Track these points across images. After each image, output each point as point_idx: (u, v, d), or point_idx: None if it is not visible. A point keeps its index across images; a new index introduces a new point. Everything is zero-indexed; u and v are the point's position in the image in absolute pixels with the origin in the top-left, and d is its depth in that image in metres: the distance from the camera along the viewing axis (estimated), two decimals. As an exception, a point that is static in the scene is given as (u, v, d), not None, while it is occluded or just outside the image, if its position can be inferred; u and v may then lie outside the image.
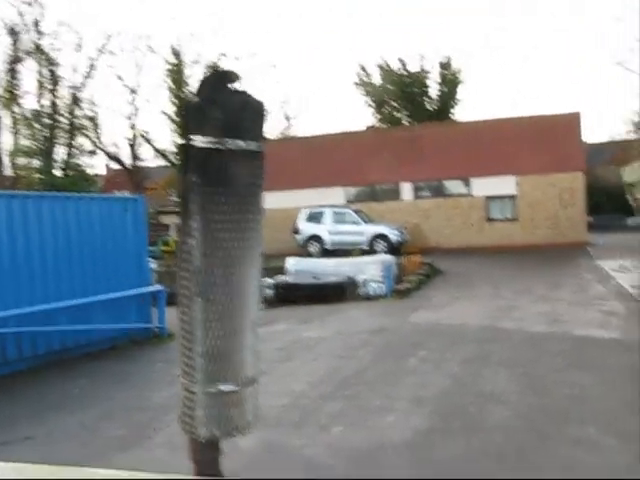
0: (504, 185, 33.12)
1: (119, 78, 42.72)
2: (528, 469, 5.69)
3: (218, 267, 2.27)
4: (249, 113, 2.30)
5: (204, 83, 2.37)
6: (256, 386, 2.49)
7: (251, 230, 2.36)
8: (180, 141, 2.32)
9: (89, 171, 43.10)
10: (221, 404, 2.32)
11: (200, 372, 2.30)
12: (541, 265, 24.14)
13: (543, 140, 32.18)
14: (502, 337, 11.43)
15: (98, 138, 42.67)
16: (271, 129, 46.94)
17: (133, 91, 42.51)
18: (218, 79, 2.31)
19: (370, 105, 50.33)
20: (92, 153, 42.99)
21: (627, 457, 5.85)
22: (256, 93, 2.36)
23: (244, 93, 2.30)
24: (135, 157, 44.32)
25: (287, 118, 52.05)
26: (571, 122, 33.48)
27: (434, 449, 6.29)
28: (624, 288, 16.56)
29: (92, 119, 41.86)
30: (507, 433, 6.64)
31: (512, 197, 33.38)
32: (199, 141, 2.22)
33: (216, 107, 2.22)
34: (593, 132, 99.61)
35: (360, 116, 61.99)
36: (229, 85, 2.28)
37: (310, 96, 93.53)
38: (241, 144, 2.27)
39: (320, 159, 34.55)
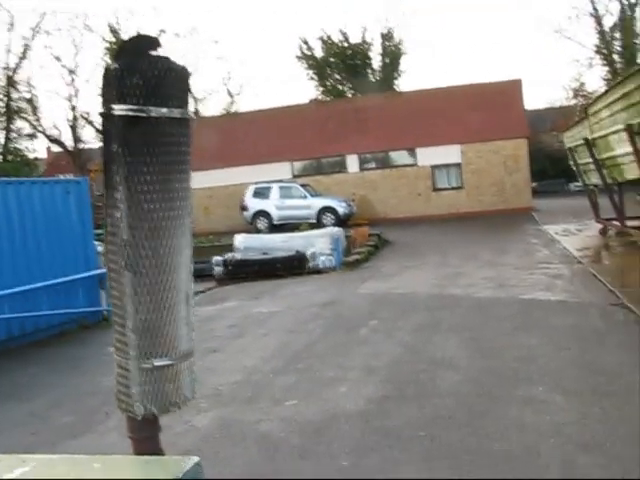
0: (449, 154, 33.40)
1: (57, 59, 41.80)
2: (478, 432, 5.76)
3: (146, 239, 2.20)
4: (172, 79, 2.21)
5: (123, 49, 2.29)
6: (192, 360, 2.44)
7: (179, 200, 2.28)
8: (101, 110, 2.23)
9: (30, 155, 42.21)
10: (156, 379, 2.27)
11: (133, 348, 2.24)
12: (487, 232, 24.44)
13: (486, 108, 32.46)
14: (451, 304, 11.56)
15: (38, 121, 41.75)
16: (215, 106, 46.44)
17: (72, 72, 41.62)
18: (138, 45, 2.22)
19: (313, 78, 50.07)
20: (32, 137, 42.07)
21: (573, 414, 5.97)
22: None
23: (166, 59, 2.22)
24: (77, 139, 43.45)
25: (230, 94, 51.54)
26: (512, 89, 33.85)
27: (388, 417, 6.33)
28: (569, 251, 16.87)
29: (30, 101, 40.90)
30: (458, 398, 6.71)
31: (457, 165, 33.69)
32: (119, 109, 2.15)
33: (136, 73, 2.14)
34: (534, 99, 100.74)
35: (304, 90, 61.85)
36: (150, 51, 2.20)
37: (253, 71, 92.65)
38: (164, 111, 2.19)
39: (265, 134, 34.32)
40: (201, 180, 34.10)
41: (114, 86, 2.17)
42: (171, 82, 2.23)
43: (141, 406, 2.27)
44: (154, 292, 2.23)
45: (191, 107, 2.44)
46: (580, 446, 5.24)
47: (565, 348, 8.21)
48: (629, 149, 15.55)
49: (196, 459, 1.78)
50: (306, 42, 49.50)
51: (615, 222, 19.55)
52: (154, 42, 2.24)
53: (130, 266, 2.20)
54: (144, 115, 2.16)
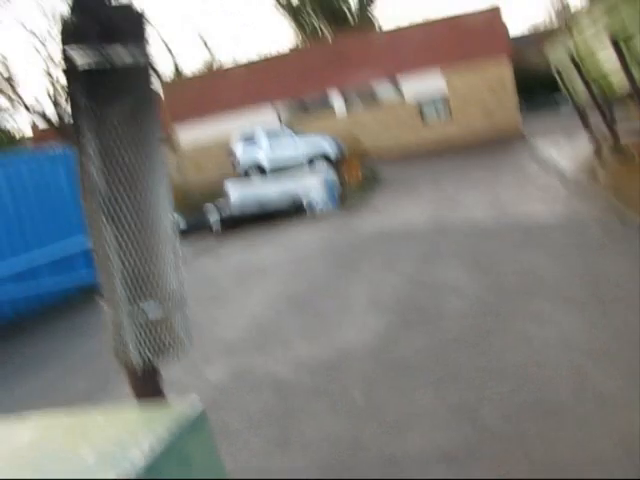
0: (435, 86, 33.09)
1: (32, 33, 41.12)
2: (486, 351, 5.84)
3: (123, 190, 2.19)
4: (130, 25, 2.18)
5: (78, -1, 2.25)
6: (185, 307, 2.45)
7: (151, 148, 2.27)
8: (63, 63, 2.19)
9: (16, 133, 41.88)
10: (149, 327, 2.28)
11: (123, 298, 2.26)
12: (479, 157, 24.35)
13: (471, 35, 32.07)
14: (449, 230, 11.59)
15: (18, 95, 41.20)
16: (195, 61, 45.86)
17: (42, 43, 40.94)
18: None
19: (291, 26, 49.37)
20: (13, 111, 41.59)
21: (576, 325, 6.04)
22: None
23: (123, 4, 2.18)
24: (60, 113, 42.95)
25: (207, 47, 50.86)
26: (493, 17, 33.33)
27: (397, 347, 6.40)
28: (561, 168, 16.82)
29: (8, 79, 40.33)
30: (464, 319, 6.79)
31: (443, 96, 33.42)
32: (81, 62, 2.12)
33: (94, 22, 2.10)
34: (517, 24, 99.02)
35: (284, 40, 60.82)
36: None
37: (232, 24, 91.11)
38: (125, 58, 2.17)
39: (248, 85, 34.01)
40: (189, 134, 33.98)
41: (73, 38, 2.14)
42: (130, 28, 2.20)
43: (138, 355, 2.29)
44: (137, 240, 2.24)
45: (170, 63, 2.41)
46: (587, 355, 5.31)
47: (567, 262, 8.26)
48: (616, 63, 15.38)
49: (199, 405, 1.81)
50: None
51: (608, 137, 19.43)
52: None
53: (111, 218, 2.20)
54: (106, 66, 2.14)
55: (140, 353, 2.30)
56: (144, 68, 2.27)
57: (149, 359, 2.32)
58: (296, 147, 28.81)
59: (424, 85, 33.13)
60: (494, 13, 33.48)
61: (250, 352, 7.16)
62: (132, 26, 2.22)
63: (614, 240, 8.92)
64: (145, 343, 2.30)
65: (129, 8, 2.22)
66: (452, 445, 4.30)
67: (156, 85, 2.34)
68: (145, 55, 2.26)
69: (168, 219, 2.38)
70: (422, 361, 5.90)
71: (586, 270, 7.75)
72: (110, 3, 2.18)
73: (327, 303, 8.51)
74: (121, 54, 2.17)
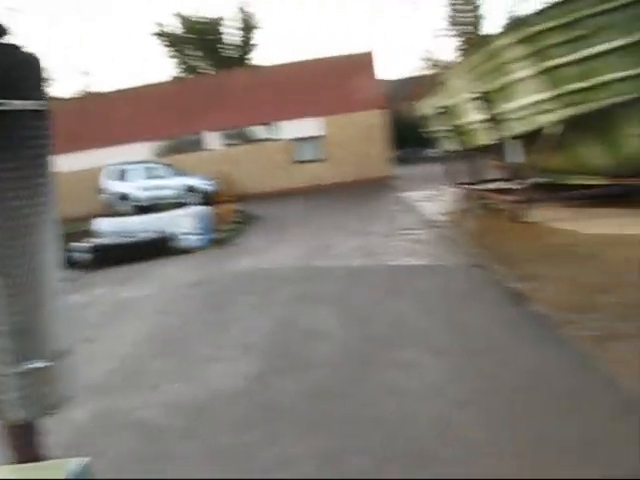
0: (310, 127, 33.68)
1: None
2: (356, 400, 5.93)
3: (11, 238, 2.11)
4: (24, 69, 2.11)
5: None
6: (70, 358, 2.38)
7: (42, 195, 2.20)
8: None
9: None
10: (33, 382, 2.19)
11: (7, 352, 2.16)
12: (351, 202, 24.88)
13: (342, 80, 32.94)
14: (321, 275, 11.74)
15: None
16: (70, 87, 44.65)
17: None
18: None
19: (172, 56, 49.05)
20: None
21: (442, 374, 6.25)
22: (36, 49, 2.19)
23: (15, 47, 2.11)
24: None
25: (84, 74, 49.73)
26: (366, 61, 34.41)
27: (267, 392, 6.40)
28: (429, 217, 17.47)
29: None
30: (334, 367, 6.87)
31: (318, 138, 34.03)
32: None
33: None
34: (394, 69, 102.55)
35: (163, 69, 60.35)
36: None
37: (110, 51, 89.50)
38: (18, 104, 2.09)
39: (124, 114, 33.36)
40: (59, 165, 32.81)
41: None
42: (23, 72, 2.12)
43: (19, 411, 2.19)
44: (24, 293, 2.15)
45: (44, 90, 2.32)
46: (455, 404, 5.50)
47: (433, 310, 8.55)
48: (479, 116, 16.26)
49: (84, 460, 1.75)
50: (161, 21, 48.34)
51: (472, 186, 20.41)
52: (1, 29, 2.12)
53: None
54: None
55: (22, 409, 2.19)
56: (38, 112, 2.20)
57: (31, 415, 2.22)
58: (169, 183, 28.50)
59: (300, 126, 33.65)
60: (367, 57, 34.54)
61: (117, 394, 6.95)
62: (26, 71, 2.15)
63: (478, 289, 9.32)
64: (28, 399, 2.20)
65: (22, 51, 2.15)
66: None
67: (50, 129, 2.27)
68: (40, 100, 2.20)
69: (55, 267, 2.31)
70: (292, 407, 5.92)
71: (452, 319, 8.05)
72: (2, 47, 2.10)
73: (198, 344, 8.40)
74: (14, 99, 2.10)
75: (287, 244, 16.19)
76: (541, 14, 13.10)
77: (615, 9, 11.70)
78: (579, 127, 13.24)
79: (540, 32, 12.95)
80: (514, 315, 7.83)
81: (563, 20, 12.46)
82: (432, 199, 21.72)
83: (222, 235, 18.42)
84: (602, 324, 6.81)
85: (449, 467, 4.48)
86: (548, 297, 8.13)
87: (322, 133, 33.90)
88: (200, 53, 47.98)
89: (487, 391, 5.69)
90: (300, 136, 33.94)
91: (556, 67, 13.03)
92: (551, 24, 12.69)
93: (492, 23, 63.10)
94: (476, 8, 39.53)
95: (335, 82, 32.93)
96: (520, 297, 8.37)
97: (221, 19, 48.13)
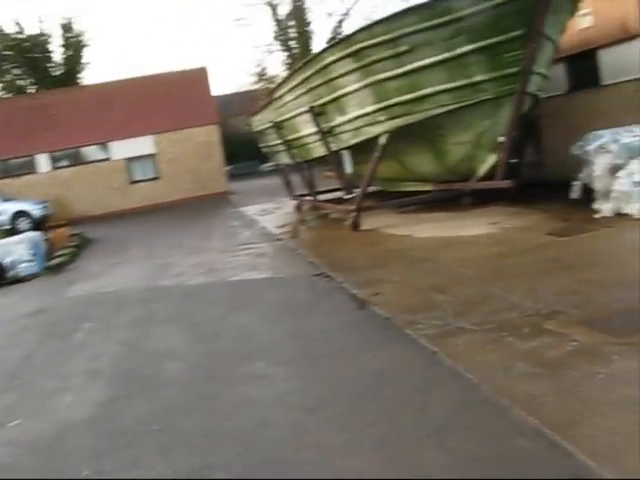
0: (143, 145, 33.19)
1: None
2: (208, 415, 5.95)
3: None
4: None
5: None
6: None
7: None
8: None
9: None
10: None
11: None
12: (189, 219, 24.76)
13: (176, 97, 32.77)
14: (163, 295, 11.63)
15: None
16: None
17: None
18: None
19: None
20: None
21: (294, 383, 6.40)
22: None
23: None
24: None
25: None
26: (199, 77, 34.44)
27: (118, 418, 6.27)
28: (268, 230, 17.70)
29: None
30: (184, 385, 6.86)
31: (152, 156, 33.57)
32: None
33: None
34: (223, 85, 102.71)
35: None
36: None
37: None
38: None
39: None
40: None
41: None
42: None
43: None
44: None
45: None
46: (305, 410, 5.65)
47: (278, 322, 8.71)
48: (313, 129, 16.67)
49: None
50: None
51: (308, 197, 20.85)
52: None
53: None
54: None
55: None
56: None
57: None
58: (-2, 209, 27.17)
59: (133, 145, 33.04)
60: (201, 73, 34.54)
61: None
62: None
63: (321, 297, 9.58)
64: None
65: None
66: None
67: None
68: None
69: None
70: (147, 429, 5.85)
71: (298, 328, 8.24)
72: None
73: (42, 376, 8.09)
74: None
75: (126, 265, 15.89)
76: (367, 30, 13.66)
77: (435, 26, 12.40)
78: (407, 137, 13.90)
79: (366, 47, 13.51)
80: (358, 320, 8.13)
81: (387, 36, 13.06)
82: (270, 212, 22.02)
83: (57, 260, 17.76)
84: (441, 322, 7.21)
85: (306, 469, 4.61)
86: (389, 300, 8.51)
87: (156, 151, 33.47)
88: (24, 71, 45.84)
89: (336, 394, 5.89)
90: (134, 155, 33.36)
91: (382, 81, 13.63)
92: (376, 40, 13.26)
93: (320, 38, 64.91)
94: (304, 24, 40.40)
95: (168, 98, 32.65)
96: (362, 302, 8.69)
97: (47, 36, 46.25)
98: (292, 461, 4.78)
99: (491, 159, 13.34)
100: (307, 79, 16.13)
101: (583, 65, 15.52)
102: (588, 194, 12.14)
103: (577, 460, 4.08)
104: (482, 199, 14.70)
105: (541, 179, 15.45)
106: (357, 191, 15.45)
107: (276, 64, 45.81)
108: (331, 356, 6.95)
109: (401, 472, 4.37)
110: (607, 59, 14.83)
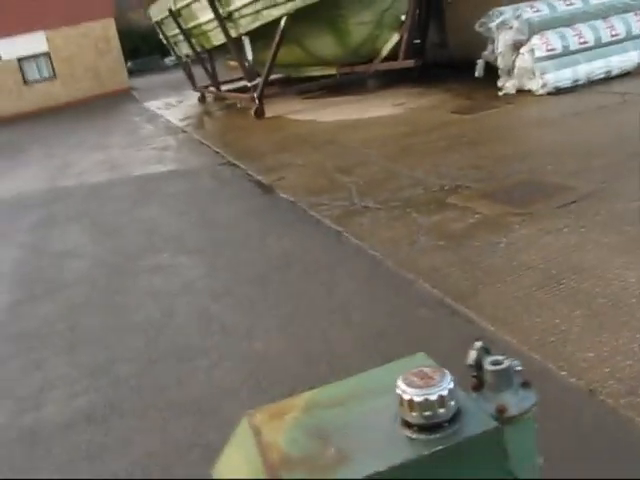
0: (35, 43, 31.35)
1: None
2: (115, 310, 5.83)
3: None
4: None
5: None
6: None
7: None
8: None
9: None
10: None
11: None
12: (90, 118, 23.80)
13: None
14: (64, 195, 11.23)
15: None
16: None
17: None
18: None
19: None
20: None
21: (200, 271, 6.32)
22: None
23: None
24: None
25: None
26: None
27: (23, 320, 6.08)
28: (172, 123, 17.22)
29: None
30: (90, 282, 6.69)
31: (46, 54, 31.88)
32: None
33: None
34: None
35: None
36: None
37: None
38: None
39: None
40: None
41: None
42: None
43: None
44: None
45: None
46: (211, 296, 5.59)
47: (183, 212, 8.55)
48: (211, 16, 16.01)
49: None
50: None
51: (211, 88, 20.26)
52: None
53: None
54: None
55: None
56: None
57: None
58: None
59: (24, 43, 31.21)
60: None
61: None
62: None
63: (225, 186, 9.44)
64: None
65: None
66: (94, 407, 4.24)
67: None
68: None
69: None
70: (51, 330, 5.69)
71: (204, 218, 8.10)
72: None
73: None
74: None
75: (25, 168, 15.24)
76: None
77: None
78: (308, 19, 13.49)
79: None
80: (263, 205, 8.07)
81: None
82: (174, 106, 21.37)
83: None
84: (346, 202, 7.19)
85: (213, 355, 4.57)
86: (294, 184, 8.45)
87: (49, 49, 31.78)
88: None
89: (242, 279, 5.86)
90: (26, 54, 31.54)
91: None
92: None
93: None
94: None
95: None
96: (267, 187, 8.59)
97: None
98: (198, 348, 4.73)
99: (394, 39, 13.14)
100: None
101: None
102: (492, 72, 12.14)
103: (477, 325, 4.16)
104: (387, 80, 14.57)
105: (445, 58, 15.34)
106: (261, 78, 15.07)
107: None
108: (237, 242, 6.90)
109: (307, 350, 4.38)
110: None
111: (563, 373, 3.47)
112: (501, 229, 5.65)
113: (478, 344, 1.18)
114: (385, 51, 13.44)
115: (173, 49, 23.43)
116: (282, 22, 13.68)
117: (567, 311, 4.10)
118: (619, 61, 11.42)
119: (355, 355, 4.14)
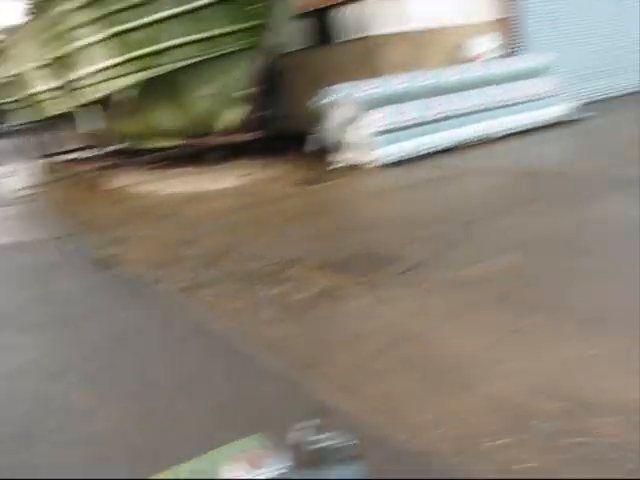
0: None
1: None
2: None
3: None
4: None
5: None
6: None
7: None
8: None
9: None
10: None
11: None
12: None
13: None
14: None
15: None
16: None
17: None
18: None
19: None
20: None
21: (39, 350, 6.11)
22: None
23: None
24: None
25: None
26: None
27: None
28: (11, 192, 16.61)
29: None
30: None
31: None
32: None
33: None
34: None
35: None
36: None
37: None
38: None
39: None
40: None
41: None
42: None
43: None
44: None
45: None
46: (52, 376, 5.43)
47: (23, 287, 8.25)
48: (52, 85, 15.81)
49: None
50: None
51: (54, 158, 19.82)
52: None
53: None
54: None
55: None
56: None
57: None
58: None
59: None
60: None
61: None
62: None
63: (68, 259, 9.22)
64: None
65: None
66: None
67: None
68: None
69: None
70: None
71: (45, 292, 7.85)
72: None
73: None
74: None
75: None
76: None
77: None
78: (152, 91, 13.62)
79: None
80: (105, 279, 7.95)
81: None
82: (11, 175, 20.62)
83: None
84: (188, 275, 7.24)
85: (53, 438, 4.45)
86: (136, 257, 8.42)
87: None
88: None
89: (85, 356, 5.73)
90: None
91: (124, 32, 13.19)
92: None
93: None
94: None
95: None
96: (109, 261, 8.49)
97: None
98: (38, 432, 4.59)
99: (234, 113, 13.48)
100: (42, 29, 15.19)
101: (320, 22, 16.09)
102: (327, 146, 12.69)
103: (320, 395, 4.31)
104: (232, 152, 14.84)
105: (288, 131, 15.87)
106: (104, 149, 14.97)
107: (10, 13, 42.59)
108: (80, 317, 6.73)
109: (154, 423, 4.36)
110: (339, 18, 15.55)
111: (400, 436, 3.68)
112: (338, 299, 5.92)
113: (301, 424, 1.30)
114: (222, 125, 13.73)
115: (8, 116, 22.82)
116: (126, 93, 13.72)
117: (404, 376, 4.35)
118: (446, 137, 12.34)
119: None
